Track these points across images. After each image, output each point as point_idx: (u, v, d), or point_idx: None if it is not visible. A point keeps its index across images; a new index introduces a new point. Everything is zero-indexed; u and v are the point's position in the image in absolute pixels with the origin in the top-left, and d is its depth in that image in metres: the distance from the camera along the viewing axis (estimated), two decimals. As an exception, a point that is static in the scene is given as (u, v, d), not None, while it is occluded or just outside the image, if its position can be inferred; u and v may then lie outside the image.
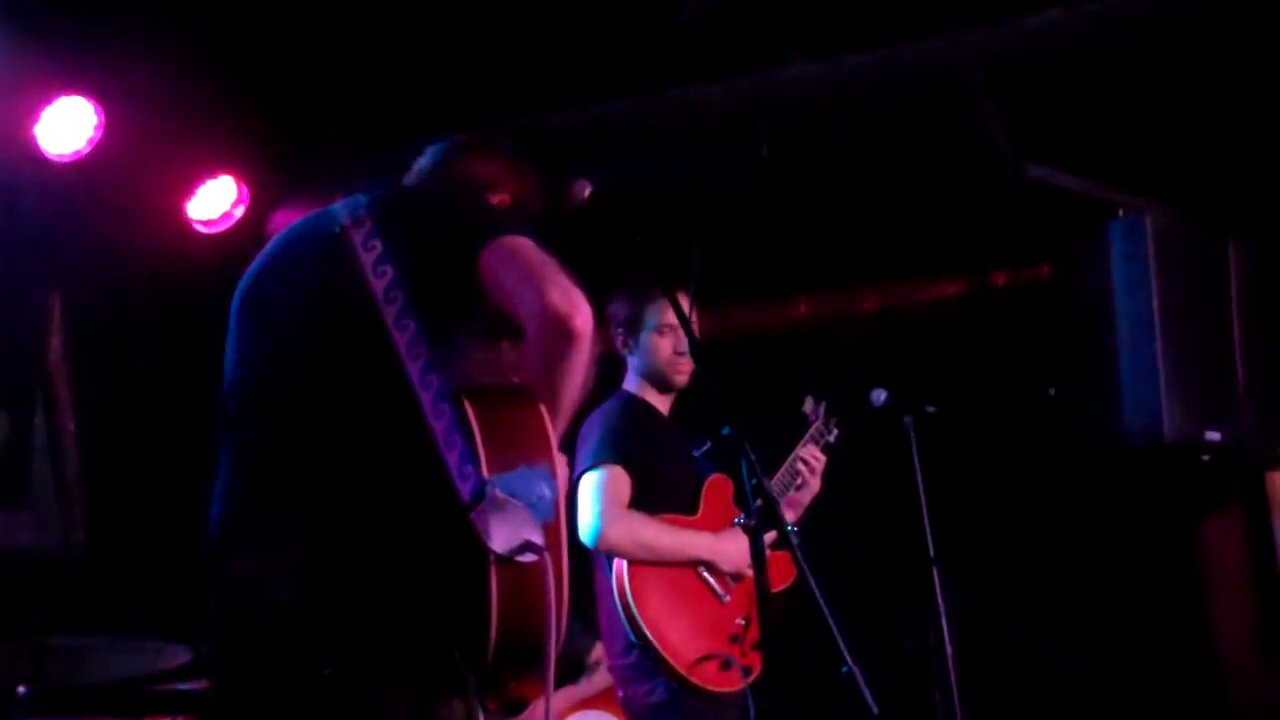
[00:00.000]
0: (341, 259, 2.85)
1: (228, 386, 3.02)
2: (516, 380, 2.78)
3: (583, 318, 2.69)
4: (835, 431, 5.06)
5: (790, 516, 4.74)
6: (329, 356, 2.83)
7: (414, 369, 2.68)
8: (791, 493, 4.84)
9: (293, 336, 2.90)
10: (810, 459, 4.87)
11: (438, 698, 2.68)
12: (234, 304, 3.06)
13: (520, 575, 2.54)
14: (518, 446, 2.63)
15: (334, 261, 2.87)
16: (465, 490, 2.56)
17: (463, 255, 2.77)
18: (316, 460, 2.76)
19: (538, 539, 2.53)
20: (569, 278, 2.74)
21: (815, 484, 4.87)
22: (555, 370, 2.71)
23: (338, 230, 2.91)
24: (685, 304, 3.55)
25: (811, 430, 5.01)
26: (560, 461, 2.72)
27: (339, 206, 3.00)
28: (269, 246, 3.10)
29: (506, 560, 2.52)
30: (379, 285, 2.78)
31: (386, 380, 2.69)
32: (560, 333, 2.68)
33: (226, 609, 2.78)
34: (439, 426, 2.62)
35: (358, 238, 2.86)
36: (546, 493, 2.58)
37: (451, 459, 2.59)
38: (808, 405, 5.09)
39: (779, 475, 4.85)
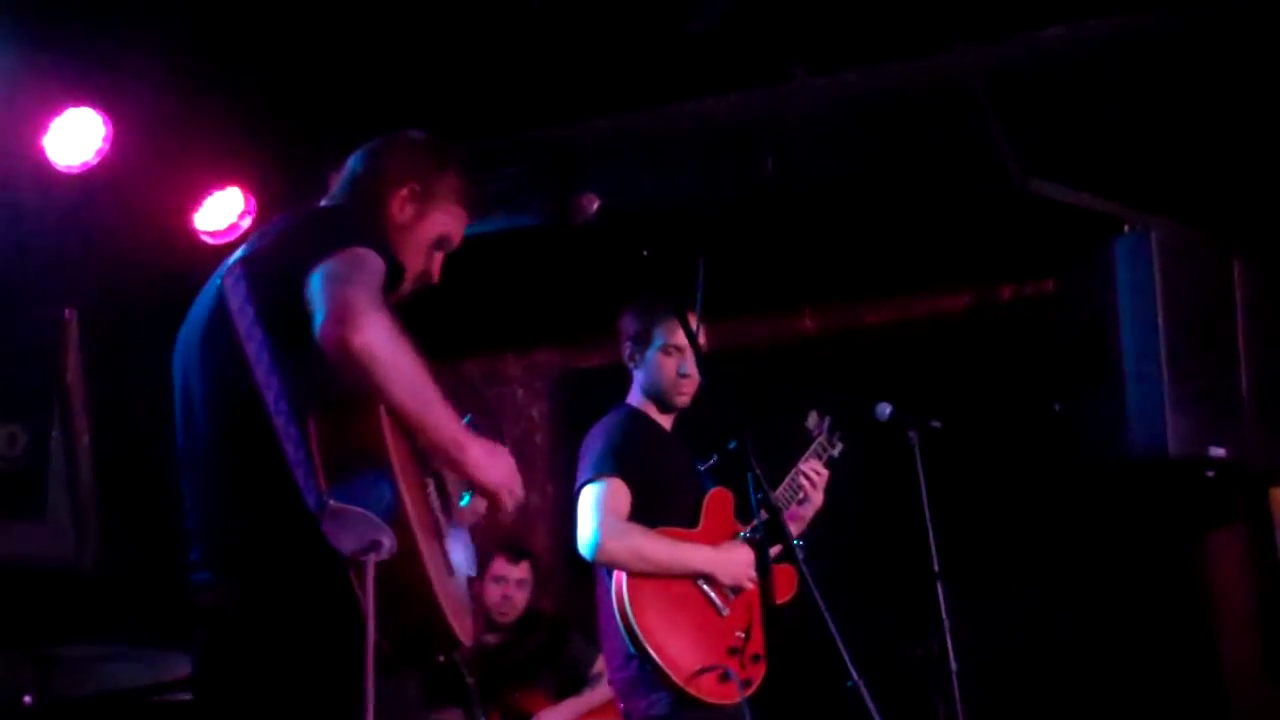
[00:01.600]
0: (218, 310, 3.00)
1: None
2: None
3: (359, 335, 2.71)
4: (839, 446, 5.07)
5: (792, 530, 4.75)
6: (214, 408, 3.01)
7: (269, 398, 2.81)
8: (793, 507, 4.84)
9: (195, 394, 3.09)
10: (812, 473, 4.88)
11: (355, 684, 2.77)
12: (172, 360, 3.26)
13: (386, 569, 2.70)
14: (355, 455, 2.77)
15: (214, 314, 3.03)
16: (310, 503, 2.71)
17: (295, 281, 2.83)
18: (214, 496, 2.99)
19: (386, 537, 2.67)
20: (356, 293, 2.77)
21: (817, 498, 4.87)
22: (369, 386, 2.76)
23: (218, 279, 3.07)
24: (693, 321, 3.55)
25: (815, 445, 5.02)
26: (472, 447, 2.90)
27: (238, 250, 3.15)
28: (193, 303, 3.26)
29: (357, 561, 2.68)
30: (242, 326, 2.89)
31: (251, 418, 2.83)
32: (342, 357, 2.72)
33: (194, 638, 3.03)
34: (289, 449, 2.77)
35: (229, 285, 2.98)
36: (386, 493, 2.72)
37: (299, 476, 2.75)
38: (811, 419, 5.09)
39: (781, 489, 4.86)
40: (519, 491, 3.10)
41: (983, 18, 5.21)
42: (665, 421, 4.84)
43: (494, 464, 3.00)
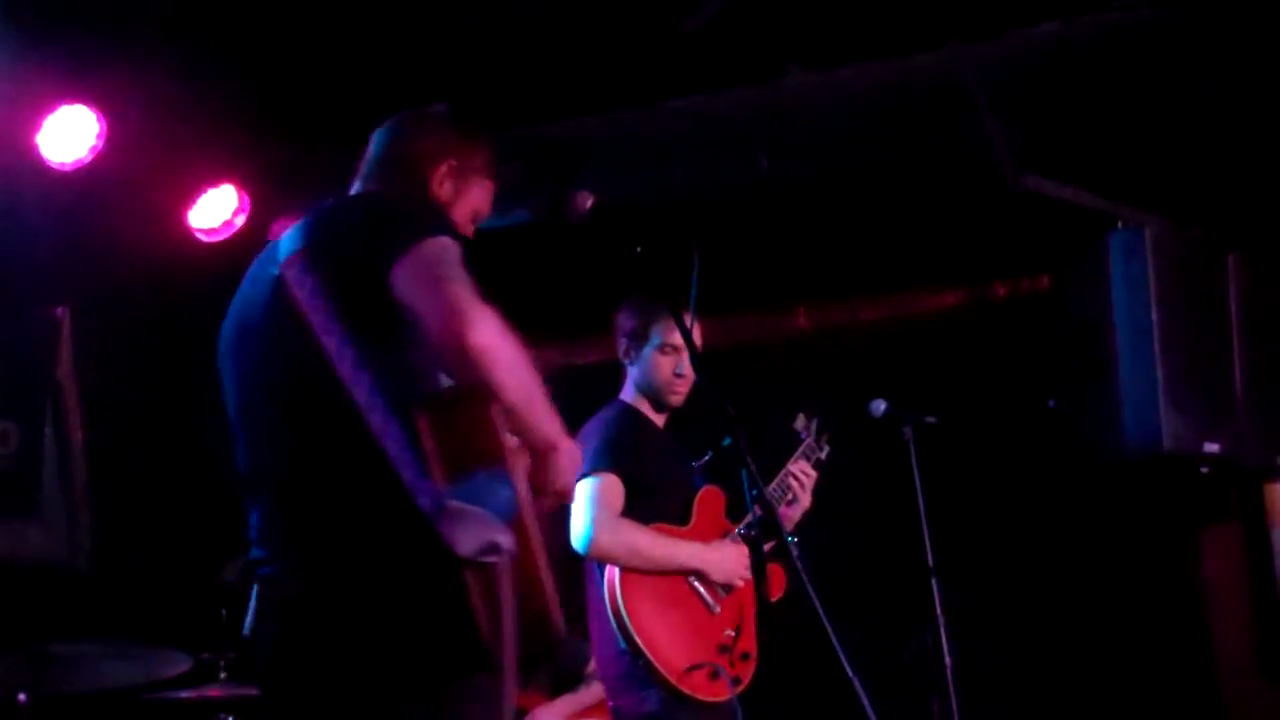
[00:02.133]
0: (283, 302, 2.92)
1: (234, 437, 3.13)
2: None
3: (478, 333, 2.69)
4: (827, 449, 5.07)
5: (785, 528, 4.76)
6: (291, 403, 2.93)
7: (359, 394, 2.75)
8: (782, 507, 4.84)
9: (262, 390, 3.01)
10: (801, 475, 4.89)
11: (453, 681, 2.76)
12: (218, 357, 3.19)
13: (497, 571, 2.65)
14: (471, 452, 2.70)
15: (278, 307, 2.94)
16: (424, 504, 2.65)
17: (377, 275, 2.80)
18: (300, 503, 2.89)
19: (503, 538, 2.62)
20: (463, 290, 2.74)
21: (806, 500, 4.88)
22: (483, 385, 2.72)
23: (275, 271, 2.98)
24: (687, 320, 3.55)
25: (803, 446, 5.02)
26: (521, 455, 2.81)
27: (284, 239, 3.05)
28: (236, 294, 3.18)
29: (474, 563, 2.61)
30: (317, 320, 2.84)
31: (339, 413, 2.77)
32: (460, 356, 2.70)
33: (263, 637, 2.94)
34: (390, 447, 2.71)
35: (292, 276, 2.92)
36: (506, 493, 2.67)
37: (406, 476, 2.68)
38: (799, 421, 5.10)
39: (770, 489, 4.86)
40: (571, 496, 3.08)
41: (977, 14, 5.21)
42: (659, 419, 4.85)
43: (570, 470, 2.96)
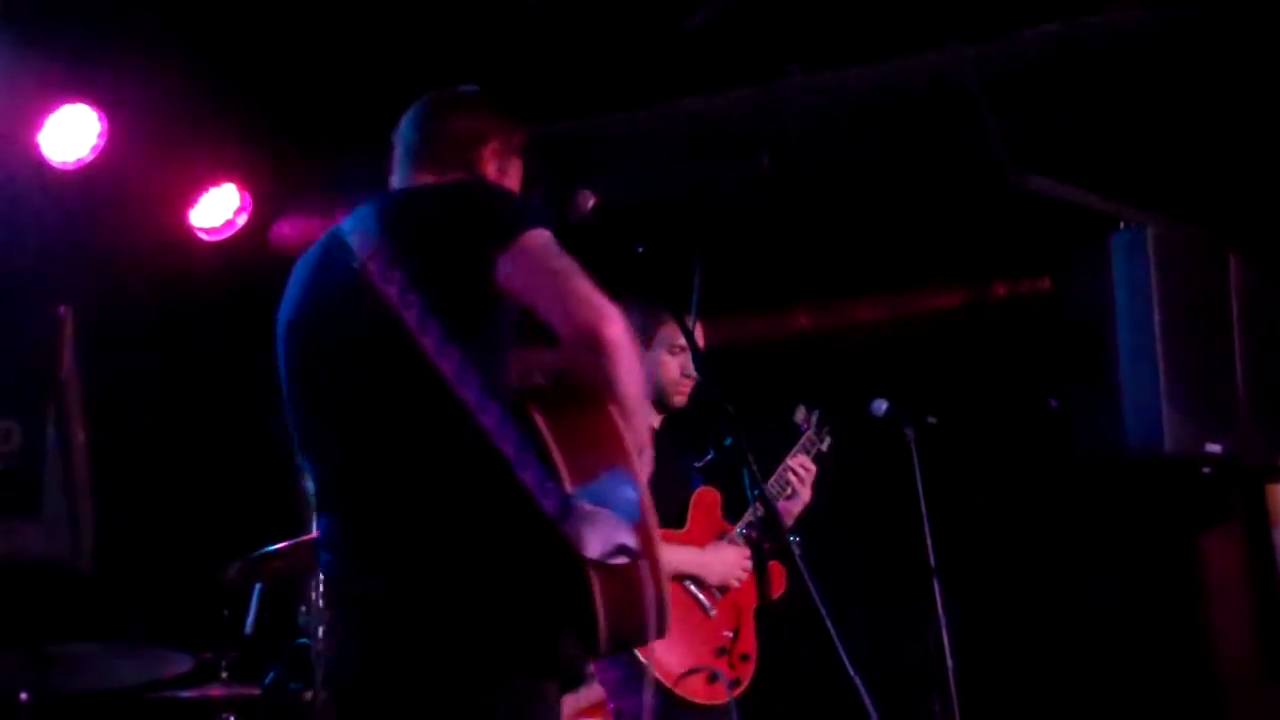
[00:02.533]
0: (368, 299, 2.82)
1: (297, 440, 3.05)
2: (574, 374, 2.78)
3: (610, 325, 2.67)
4: (828, 440, 5.05)
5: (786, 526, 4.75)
6: (384, 406, 2.83)
7: (468, 396, 2.69)
8: (782, 502, 4.83)
9: (345, 391, 2.90)
10: (800, 469, 4.87)
11: (540, 683, 2.77)
12: (280, 351, 3.08)
13: (618, 571, 2.61)
14: (595, 453, 2.68)
15: (362, 304, 2.84)
16: (550, 506, 2.60)
17: (479, 268, 2.75)
18: (400, 507, 2.79)
19: (630, 541, 2.59)
20: (586, 282, 2.72)
21: (806, 494, 4.86)
22: (605, 379, 2.70)
23: (356, 266, 2.88)
24: (688, 321, 3.54)
25: (803, 439, 5.01)
26: (645, 458, 2.80)
27: (349, 231, 2.97)
28: (295, 287, 3.09)
29: (602, 564, 2.58)
30: (411, 318, 2.75)
31: (444, 414, 2.71)
32: (595, 349, 2.67)
33: (348, 632, 2.87)
34: (507, 449, 2.65)
35: (376, 271, 2.83)
36: (631, 494, 2.63)
37: (529, 478, 2.63)
38: (799, 414, 5.08)
39: (769, 484, 4.85)
40: None
41: (978, 14, 5.21)
42: (655, 420, 4.83)
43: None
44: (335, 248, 2.99)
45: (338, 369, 2.92)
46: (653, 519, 2.69)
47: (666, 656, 4.43)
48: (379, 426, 2.83)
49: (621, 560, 2.58)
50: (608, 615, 2.60)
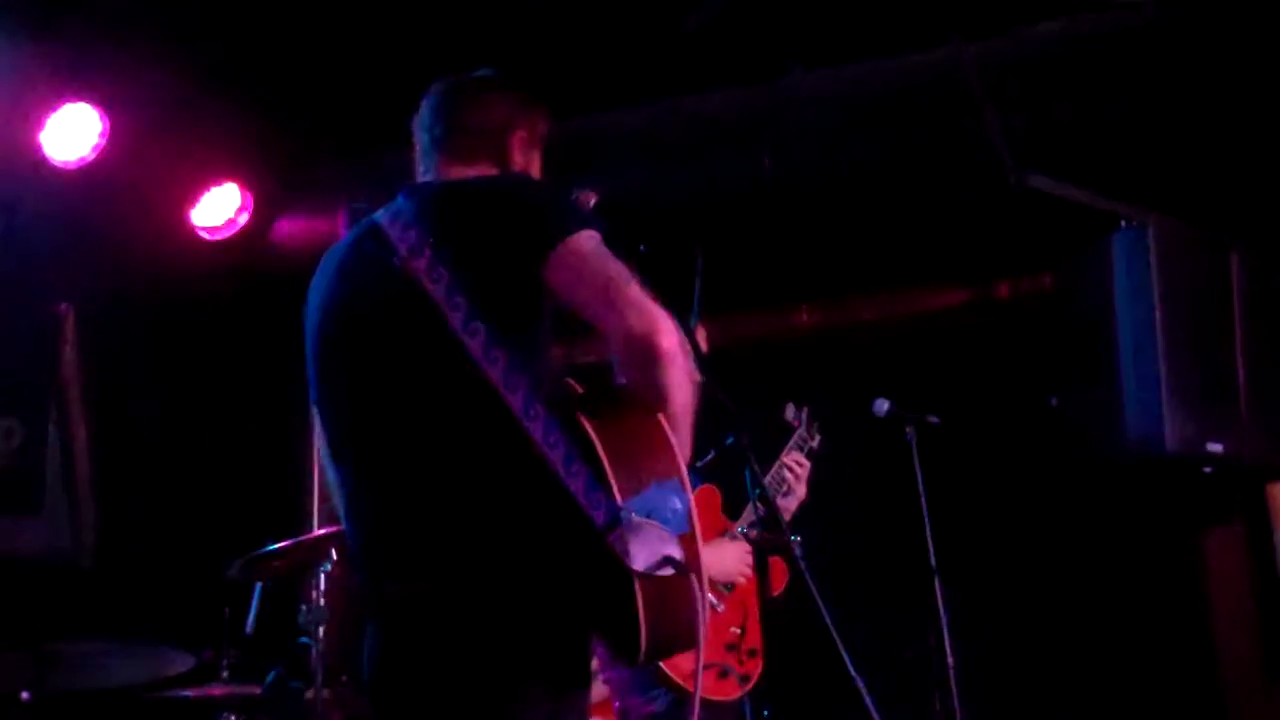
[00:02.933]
0: (411, 297, 2.77)
1: (328, 432, 2.98)
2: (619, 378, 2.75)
3: (666, 334, 2.64)
4: (818, 437, 5.04)
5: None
6: (427, 408, 2.78)
7: (514, 402, 2.65)
8: (779, 499, 4.82)
9: (386, 392, 2.83)
10: (795, 465, 4.86)
11: (572, 691, 2.76)
12: (310, 344, 3.01)
13: (662, 582, 2.60)
14: (645, 462, 2.65)
15: (405, 301, 2.78)
16: (599, 517, 2.57)
17: (529, 269, 2.72)
18: (444, 506, 2.74)
19: (676, 553, 2.58)
20: (639, 288, 2.68)
21: (800, 490, 4.85)
22: (656, 389, 2.68)
23: (397, 263, 2.82)
24: (690, 318, 3.54)
25: (795, 437, 4.99)
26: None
27: (387, 223, 2.90)
28: (326, 279, 3.01)
29: (648, 575, 2.57)
30: (456, 319, 2.71)
31: (487, 418, 2.67)
32: (648, 357, 2.65)
33: (389, 634, 2.81)
34: (555, 456, 2.61)
35: (421, 269, 2.77)
36: (679, 505, 2.63)
37: (577, 487, 2.60)
38: (789, 412, 5.05)
39: (765, 482, 4.84)
40: None
41: (979, 13, 5.21)
42: None
43: None
44: (372, 240, 2.92)
45: (377, 369, 2.85)
46: (700, 530, 2.68)
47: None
48: (421, 430, 2.77)
49: (668, 572, 2.57)
50: (649, 626, 2.58)
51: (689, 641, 2.70)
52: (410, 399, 2.79)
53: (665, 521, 2.57)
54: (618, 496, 2.57)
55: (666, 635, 2.65)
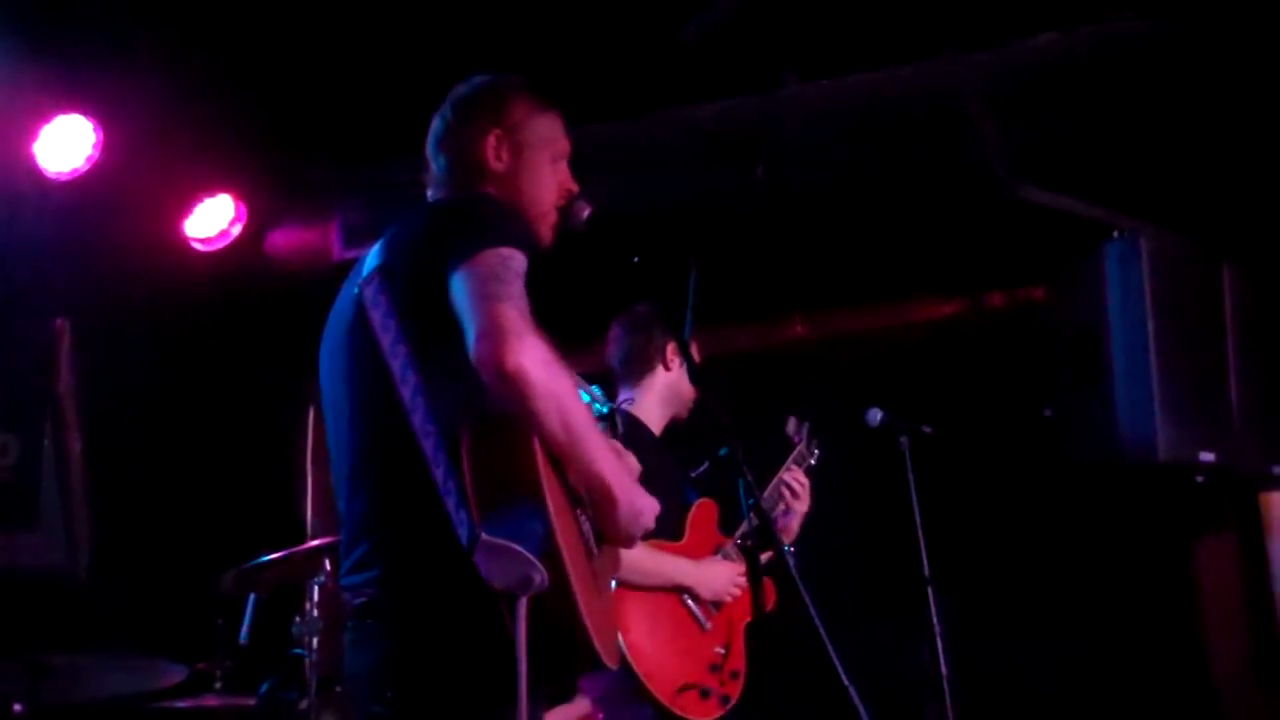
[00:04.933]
0: (361, 323, 2.87)
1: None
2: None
3: (515, 355, 2.62)
4: (817, 453, 5.03)
5: (783, 539, 4.73)
6: (362, 427, 2.90)
7: (416, 419, 2.71)
8: (779, 517, 4.80)
9: (343, 408, 2.96)
10: (793, 482, 4.85)
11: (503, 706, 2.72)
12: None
13: (536, 601, 2.61)
14: (507, 484, 2.66)
15: (357, 328, 2.89)
16: (462, 535, 2.61)
17: (439, 290, 2.74)
18: (367, 518, 2.87)
19: (537, 573, 2.57)
20: (512, 311, 2.67)
21: (803, 506, 4.84)
22: (523, 412, 2.67)
23: (356, 290, 2.91)
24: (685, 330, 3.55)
25: (795, 453, 4.98)
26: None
27: (369, 255, 2.98)
28: (333, 306, 3.11)
29: (510, 595, 2.59)
30: (386, 341, 2.78)
31: (400, 436, 2.73)
32: (498, 378, 2.64)
33: (348, 642, 2.92)
34: (438, 475, 2.67)
35: (369, 296, 2.86)
36: (538, 528, 2.61)
37: (449, 505, 2.64)
38: (791, 426, 5.05)
39: (763, 498, 4.84)
40: (638, 538, 3.03)
41: (974, 25, 5.22)
42: (658, 429, 4.82)
43: (626, 527, 2.92)
44: (354, 272, 3.01)
45: (337, 393, 2.97)
46: (567, 549, 2.68)
47: (661, 672, 4.42)
48: (361, 453, 2.89)
49: (527, 592, 2.57)
50: (532, 645, 2.61)
51: (585, 662, 2.77)
52: (353, 422, 2.91)
53: (523, 543, 2.57)
54: (476, 517, 2.61)
55: (555, 655, 2.71)
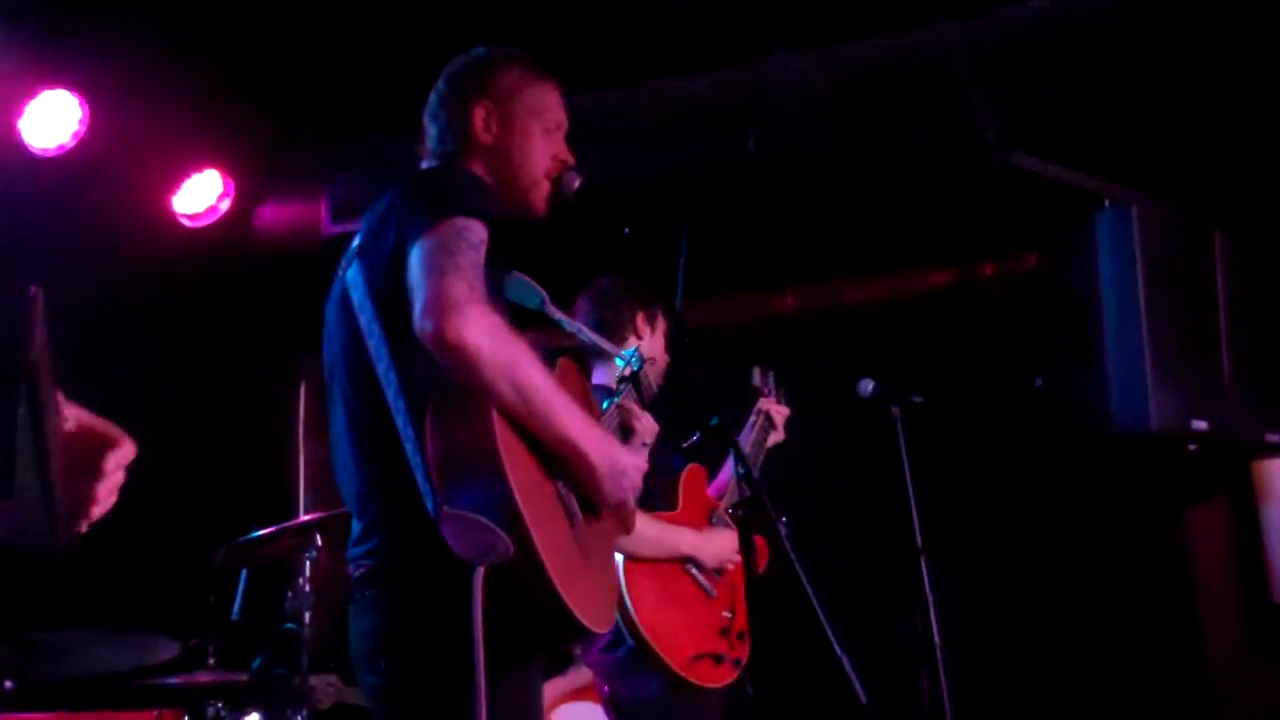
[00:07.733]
0: (346, 305, 2.92)
1: None
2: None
3: (455, 327, 2.61)
4: (784, 404, 5.05)
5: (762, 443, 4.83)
6: (346, 404, 2.94)
7: (388, 395, 2.75)
8: (768, 436, 4.86)
9: (335, 390, 3.00)
10: (773, 411, 4.90)
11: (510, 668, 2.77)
12: None
13: (505, 570, 2.63)
14: (467, 455, 2.68)
15: (343, 309, 2.93)
16: (429, 506, 2.66)
17: (400, 269, 2.75)
18: (361, 495, 2.91)
19: (500, 541, 2.58)
20: (458, 282, 2.65)
21: (780, 436, 4.89)
22: (472, 382, 2.66)
23: (340, 271, 2.97)
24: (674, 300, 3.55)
25: (763, 400, 5.01)
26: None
27: (358, 234, 3.02)
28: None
29: (479, 564, 2.61)
30: (363, 321, 2.83)
31: (378, 413, 2.79)
32: (440, 352, 2.64)
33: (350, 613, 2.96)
34: (407, 449, 2.71)
35: (350, 277, 2.90)
36: (499, 496, 2.63)
37: (417, 479, 2.68)
38: (755, 376, 5.06)
39: (748, 431, 4.88)
40: (631, 506, 3.05)
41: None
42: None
43: (613, 487, 2.92)
44: (347, 249, 3.04)
45: (335, 376, 2.99)
46: (532, 517, 2.67)
47: (675, 643, 4.42)
48: (352, 431, 2.92)
49: (489, 561, 2.59)
50: (509, 615, 2.66)
51: (564, 630, 2.81)
52: (345, 402, 2.94)
53: (486, 514, 2.59)
54: (439, 489, 2.64)
55: (533, 624, 2.77)
